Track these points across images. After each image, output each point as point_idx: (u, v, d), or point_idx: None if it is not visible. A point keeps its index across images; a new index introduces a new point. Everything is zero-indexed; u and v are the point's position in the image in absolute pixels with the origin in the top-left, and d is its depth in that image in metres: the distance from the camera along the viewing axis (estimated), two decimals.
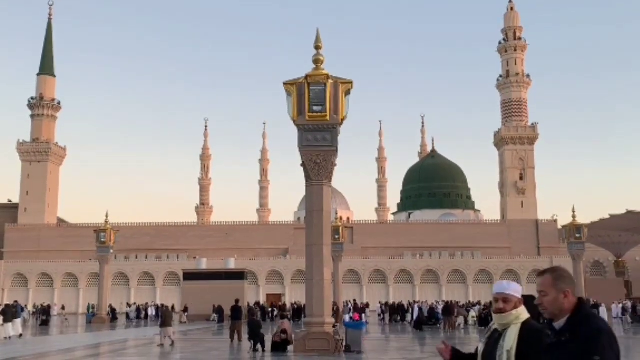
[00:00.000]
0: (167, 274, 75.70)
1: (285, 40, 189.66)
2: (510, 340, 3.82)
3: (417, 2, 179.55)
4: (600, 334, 3.32)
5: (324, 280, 20.26)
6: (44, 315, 48.61)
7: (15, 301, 48.59)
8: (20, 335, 30.03)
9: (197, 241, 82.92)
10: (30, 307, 60.43)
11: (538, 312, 3.70)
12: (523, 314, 3.95)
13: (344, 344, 20.10)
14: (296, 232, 78.84)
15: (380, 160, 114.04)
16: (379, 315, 49.85)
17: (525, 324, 3.90)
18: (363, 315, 41.73)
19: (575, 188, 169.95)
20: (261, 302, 60.44)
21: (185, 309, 52.61)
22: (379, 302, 55.33)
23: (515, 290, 4.03)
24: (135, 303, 64.70)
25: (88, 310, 67.05)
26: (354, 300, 52.52)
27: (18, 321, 30.31)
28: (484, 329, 36.42)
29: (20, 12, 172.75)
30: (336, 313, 32.34)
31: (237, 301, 28.22)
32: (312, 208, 20.81)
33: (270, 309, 54.36)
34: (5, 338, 27.70)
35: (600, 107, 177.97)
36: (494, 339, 4.02)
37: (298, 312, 47.81)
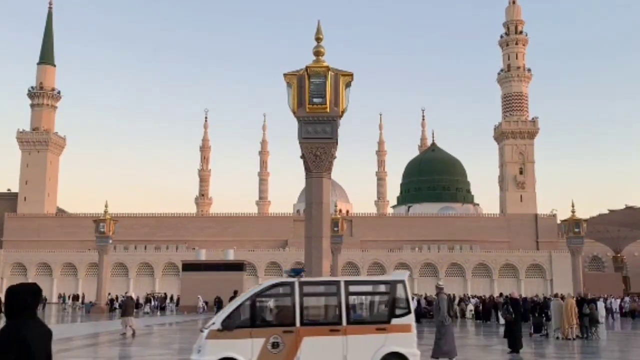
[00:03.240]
0: (166, 265, 75.81)
1: (286, 31, 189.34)
2: None
3: None
4: None
5: (323, 273, 20.29)
6: None
7: None
8: None
9: (196, 232, 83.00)
10: None
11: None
12: None
13: None
14: (295, 224, 78.92)
15: (380, 153, 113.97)
16: None
17: None
18: None
19: (574, 183, 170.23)
20: None
21: (148, 300, 52.64)
22: None
23: None
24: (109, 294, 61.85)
25: (63, 300, 67.99)
26: None
27: None
28: (480, 322, 36.60)
29: (21, 1, 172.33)
30: None
31: (235, 292, 28.31)
32: (311, 200, 20.79)
33: None
34: None
35: (601, 102, 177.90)
36: None
37: None
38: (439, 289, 16.39)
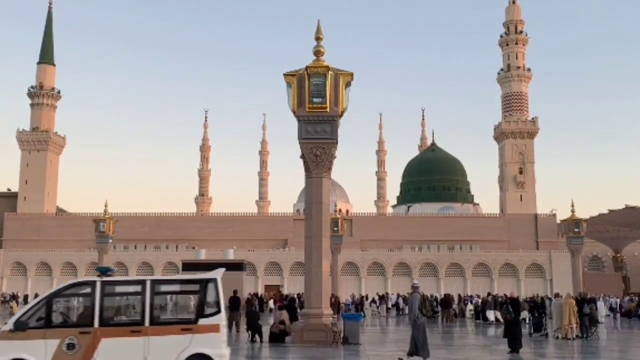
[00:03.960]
0: (166, 264, 75.78)
1: (286, 31, 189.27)
2: None
3: None
4: None
5: (323, 272, 20.31)
6: None
7: None
8: None
9: (196, 232, 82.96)
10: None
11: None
12: None
13: (342, 335, 20.16)
14: (295, 223, 78.87)
15: (380, 152, 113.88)
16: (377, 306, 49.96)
17: None
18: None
19: (574, 183, 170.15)
20: (260, 294, 60.53)
21: None
22: (377, 293, 55.53)
23: None
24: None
25: None
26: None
27: None
28: (479, 321, 36.60)
29: (21, 1, 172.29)
30: (334, 305, 32.41)
31: (235, 292, 28.24)
32: (311, 200, 20.82)
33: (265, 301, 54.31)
34: None
35: (601, 102, 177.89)
36: None
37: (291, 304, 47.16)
38: (414, 288, 16.40)
